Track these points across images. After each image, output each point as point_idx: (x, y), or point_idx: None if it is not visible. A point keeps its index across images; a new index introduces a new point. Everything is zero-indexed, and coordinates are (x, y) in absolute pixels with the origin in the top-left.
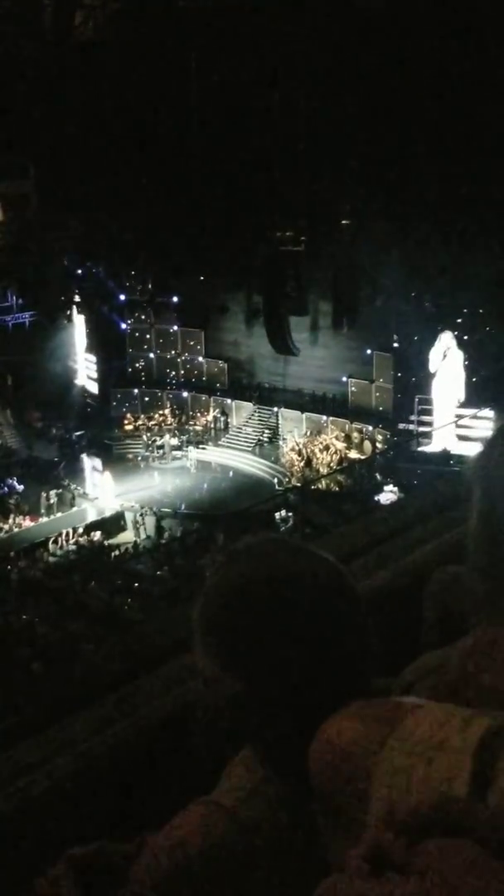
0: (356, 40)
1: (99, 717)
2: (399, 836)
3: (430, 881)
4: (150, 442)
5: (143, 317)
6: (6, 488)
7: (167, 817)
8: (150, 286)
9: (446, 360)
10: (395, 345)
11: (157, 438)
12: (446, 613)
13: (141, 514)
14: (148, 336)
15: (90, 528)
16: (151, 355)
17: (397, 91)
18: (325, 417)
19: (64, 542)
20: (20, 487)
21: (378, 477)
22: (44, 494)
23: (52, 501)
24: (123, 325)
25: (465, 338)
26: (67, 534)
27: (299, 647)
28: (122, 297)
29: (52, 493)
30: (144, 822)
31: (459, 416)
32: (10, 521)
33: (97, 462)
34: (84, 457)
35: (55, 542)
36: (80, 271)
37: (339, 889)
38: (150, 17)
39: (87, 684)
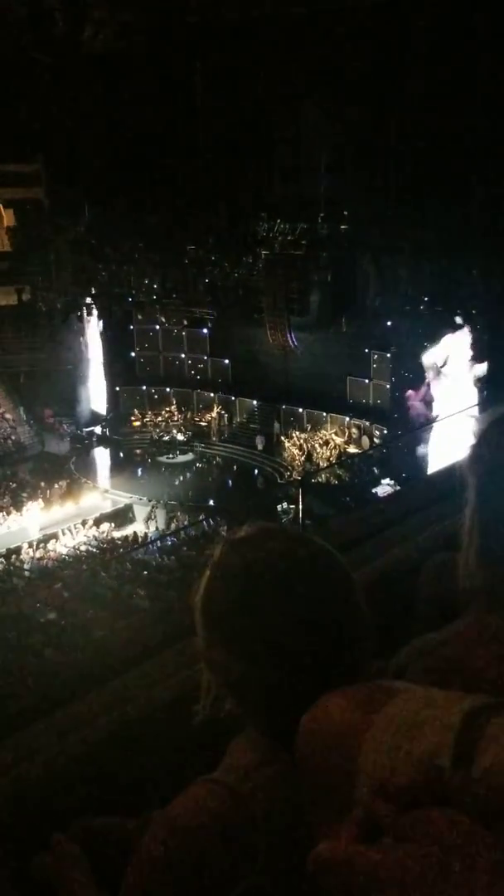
0: (354, 56)
1: (107, 700)
2: (390, 806)
3: (422, 847)
4: (157, 438)
5: (140, 317)
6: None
7: (172, 795)
8: (157, 288)
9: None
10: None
11: (164, 434)
12: (439, 598)
13: (153, 507)
14: (153, 335)
15: (100, 519)
16: (159, 354)
17: (394, 102)
18: (324, 413)
19: (73, 533)
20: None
21: (375, 470)
22: (56, 486)
23: (61, 493)
24: (131, 326)
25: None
26: (78, 524)
27: (297, 631)
28: (130, 299)
29: (63, 483)
30: (150, 800)
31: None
32: (23, 512)
33: (106, 457)
34: (94, 452)
35: (65, 533)
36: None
37: (332, 852)
38: (156, 31)
39: (96, 668)
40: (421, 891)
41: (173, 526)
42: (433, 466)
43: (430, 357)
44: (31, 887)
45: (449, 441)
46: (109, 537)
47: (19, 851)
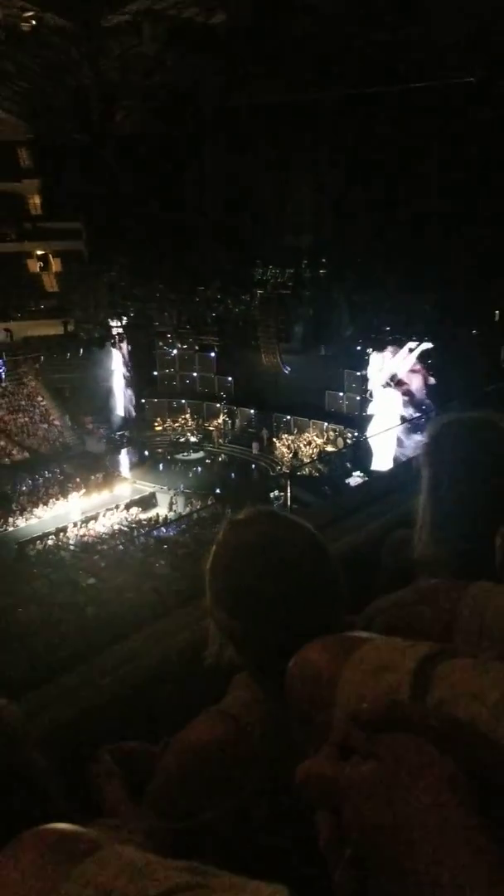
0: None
1: (134, 648)
2: (360, 732)
3: (382, 763)
4: (174, 439)
5: (160, 343)
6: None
7: (185, 723)
8: (174, 321)
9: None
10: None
11: (180, 437)
12: (399, 566)
13: (173, 495)
14: (170, 359)
15: (129, 504)
16: (176, 373)
17: (364, 176)
18: (307, 420)
19: (108, 515)
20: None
21: (348, 465)
22: (94, 478)
23: (98, 483)
24: (154, 351)
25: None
26: (111, 509)
27: (284, 594)
28: (153, 330)
29: (100, 476)
30: (168, 728)
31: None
32: (68, 499)
33: (134, 455)
34: (124, 451)
35: (104, 514)
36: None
37: (314, 769)
38: (175, 116)
39: (126, 622)
40: (377, 796)
41: (188, 509)
42: (376, 460)
43: (374, 367)
44: (83, 793)
45: (384, 440)
46: (137, 518)
47: (74, 765)
